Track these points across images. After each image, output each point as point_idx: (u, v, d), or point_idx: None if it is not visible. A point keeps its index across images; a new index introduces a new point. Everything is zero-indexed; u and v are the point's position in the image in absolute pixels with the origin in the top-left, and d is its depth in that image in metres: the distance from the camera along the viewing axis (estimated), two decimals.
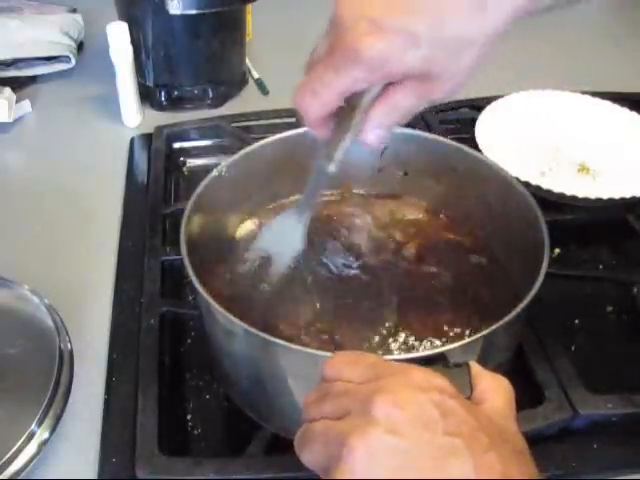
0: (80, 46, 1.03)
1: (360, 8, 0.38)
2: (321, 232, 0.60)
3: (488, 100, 0.85)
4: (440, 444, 0.33)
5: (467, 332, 0.51)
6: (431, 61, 0.39)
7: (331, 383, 0.37)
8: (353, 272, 0.57)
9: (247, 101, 0.95)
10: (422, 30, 0.37)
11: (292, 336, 0.50)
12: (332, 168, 0.45)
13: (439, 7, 0.37)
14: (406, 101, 0.41)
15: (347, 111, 0.42)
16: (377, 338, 0.51)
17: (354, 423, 0.33)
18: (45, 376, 0.51)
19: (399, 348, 0.51)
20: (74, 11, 1.05)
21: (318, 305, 0.53)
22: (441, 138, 0.61)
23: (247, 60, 0.99)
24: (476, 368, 0.39)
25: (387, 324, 0.52)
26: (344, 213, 0.63)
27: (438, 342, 0.51)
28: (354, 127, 0.43)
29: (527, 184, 0.64)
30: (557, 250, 0.69)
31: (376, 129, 0.43)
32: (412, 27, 0.37)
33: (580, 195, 0.70)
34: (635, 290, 0.64)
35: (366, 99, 0.41)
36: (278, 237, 0.50)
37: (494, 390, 0.38)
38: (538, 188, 0.69)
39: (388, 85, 0.41)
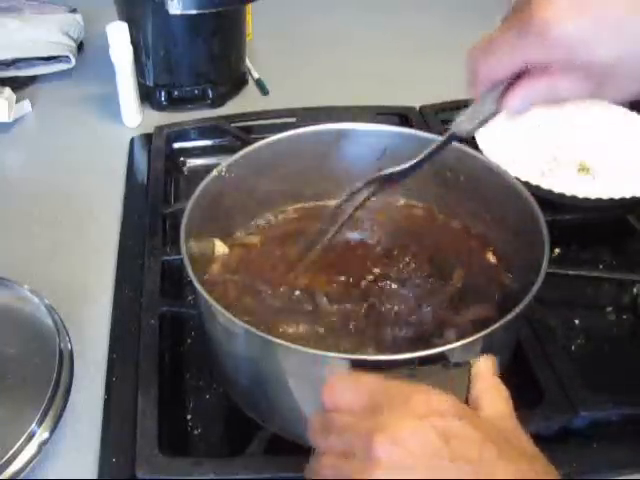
0: (80, 46, 1.03)
1: None
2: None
3: None
4: (448, 472, 0.32)
5: (465, 331, 0.51)
6: (621, 55, 0.36)
7: (332, 414, 0.37)
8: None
9: (247, 101, 0.95)
10: (627, 21, 0.35)
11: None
12: (465, 130, 0.46)
13: None
14: (567, 90, 0.39)
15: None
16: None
17: (359, 466, 0.34)
18: (45, 376, 0.51)
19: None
20: (74, 11, 1.05)
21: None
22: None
23: (247, 60, 0.99)
24: (476, 369, 0.39)
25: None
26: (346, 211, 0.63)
27: (437, 341, 0.51)
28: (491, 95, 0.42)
29: (527, 184, 0.64)
30: (557, 250, 0.69)
31: (521, 100, 0.41)
32: (613, 13, 0.35)
33: (580, 195, 0.70)
34: (635, 290, 0.64)
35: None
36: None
37: (491, 392, 0.38)
38: (538, 188, 0.69)
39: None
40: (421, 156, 0.51)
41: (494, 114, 0.44)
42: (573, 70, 0.38)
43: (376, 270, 0.57)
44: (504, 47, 0.39)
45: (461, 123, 0.46)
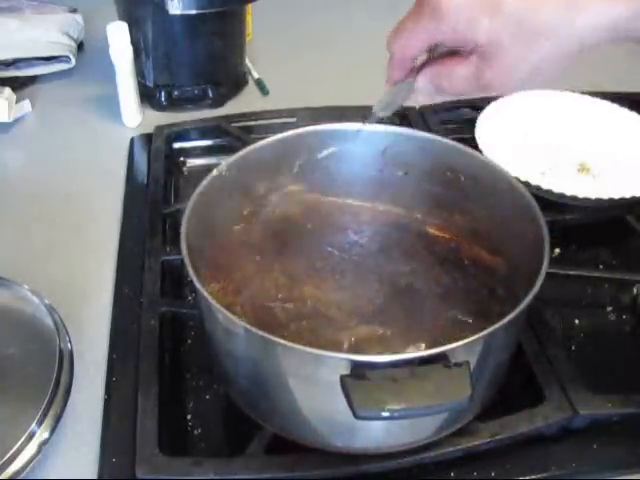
0: (80, 46, 1.03)
1: None
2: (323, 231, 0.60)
3: (488, 100, 0.85)
4: None
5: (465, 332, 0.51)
6: (501, 37, 0.39)
7: None
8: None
9: (247, 101, 0.95)
10: (508, 3, 0.38)
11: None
12: (377, 111, 0.53)
13: None
14: (460, 72, 0.43)
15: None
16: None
17: None
18: (45, 376, 0.51)
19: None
20: (74, 11, 1.06)
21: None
22: (441, 138, 0.61)
23: (247, 60, 0.99)
24: None
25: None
26: (345, 213, 0.63)
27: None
28: (408, 83, 0.48)
29: (527, 184, 0.64)
30: (557, 250, 0.69)
31: (425, 83, 0.46)
32: None
33: (580, 195, 0.70)
34: (635, 290, 0.64)
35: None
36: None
37: None
38: (538, 188, 0.69)
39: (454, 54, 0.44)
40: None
41: (408, 95, 0.50)
42: (466, 53, 0.42)
43: (380, 270, 0.57)
44: (408, 27, 0.44)
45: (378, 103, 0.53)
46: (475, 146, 0.74)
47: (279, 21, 1.13)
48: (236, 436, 0.54)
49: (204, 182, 0.54)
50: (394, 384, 0.40)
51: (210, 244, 0.56)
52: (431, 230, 0.61)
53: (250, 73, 1.00)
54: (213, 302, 0.44)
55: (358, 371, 0.40)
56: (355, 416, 0.39)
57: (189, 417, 0.55)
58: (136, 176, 0.80)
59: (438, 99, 0.48)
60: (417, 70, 0.47)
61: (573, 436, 0.52)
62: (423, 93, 0.47)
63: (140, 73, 0.89)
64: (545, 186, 0.70)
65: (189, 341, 0.61)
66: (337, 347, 0.50)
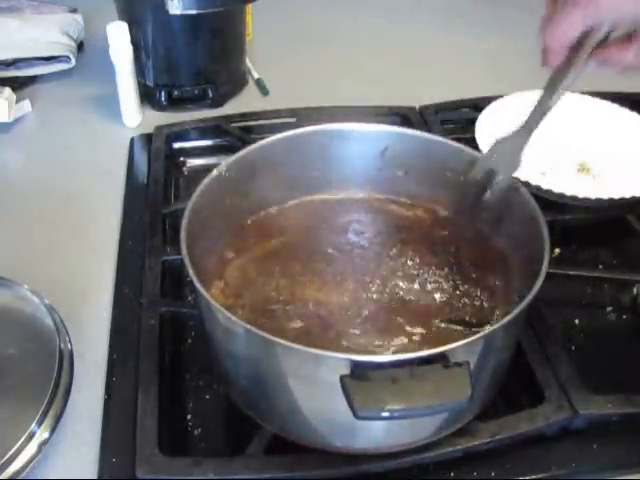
0: (80, 46, 1.03)
1: None
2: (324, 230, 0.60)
3: (488, 100, 0.85)
4: None
5: (465, 332, 0.51)
6: None
7: None
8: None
9: (247, 101, 0.95)
10: None
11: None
12: (553, 102, 0.52)
13: None
14: (625, 59, 0.48)
15: (575, 51, 0.49)
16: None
17: None
18: (45, 376, 0.51)
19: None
20: (74, 11, 1.06)
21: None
22: (441, 138, 0.61)
23: (247, 60, 0.99)
24: None
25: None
26: (345, 214, 0.63)
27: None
28: (575, 67, 0.49)
29: (527, 184, 0.64)
30: (557, 250, 0.69)
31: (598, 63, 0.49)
32: None
33: (580, 195, 0.70)
34: (635, 290, 0.64)
35: (591, 42, 0.48)
36: (501, 155, 0.55)
37: None
38: (538, 188, 0.69)
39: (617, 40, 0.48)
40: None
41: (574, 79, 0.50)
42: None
43: (381, 271, 0.57)
44: (564, 15, 0.46)
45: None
46: (475, 146, 0.74)
47: (279, 21, 1.13)
48: (236, 436, 0.54)
49: (204, 182, 0.54)
50: (394, 384, 0.40)
51: (210, 244, 0.56)
52: (431, 230, 0.61)
53: (250, 73, 1.00)
54: (213, 302, 0.44)
55: (358, 371, 0.40)
56: (355, 416, 0.39)
57: (189, 417, 0.55)
58: (136, 176, 0.80)
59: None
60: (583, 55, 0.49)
61: (573, 436, 0.52)
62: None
63: (140, 73, 0.89)
64: (545, 186, 0.70)
65: (189, 341, 0.61)
66: (338, 348, 0.50)
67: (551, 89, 0.52)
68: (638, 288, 0.64)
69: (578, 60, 0.49)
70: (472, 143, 0.75)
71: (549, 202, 0.69)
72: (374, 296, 0.55)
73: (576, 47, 0.49)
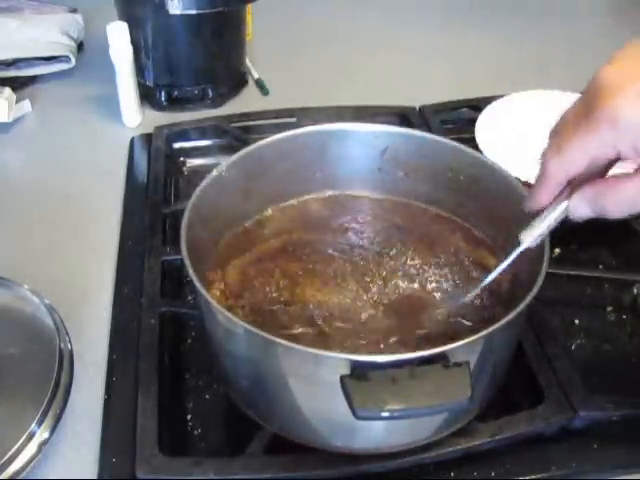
0: (80, 46, 1.03)
1: (631, 75, 0.37)
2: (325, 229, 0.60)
3: (488, 100, 0.85)
4: None
5: (465, 332, 0.51)
6: None
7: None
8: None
9: (247, 101, 0.95)
10: None
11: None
12: (529, 243, 0.46)
13: None
14: (628, 191, 0.40)
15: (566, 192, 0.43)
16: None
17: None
18: (45, 376, 0.51)
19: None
20: (74, 11, 1.05)
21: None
22: (441, 138, 0.61)
23: (247, 60, 0.99)
24: None
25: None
26: (345, 214, 0.63)
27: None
28: (564, 207, 0.43)
29: (527, 184, 0.64)
30: (557, 250, 0.69)
31: (583, 205, 0.42)
32: None
33: None
34: (635, 290, 0.64)
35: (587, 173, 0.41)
36: None
37: None
38: None
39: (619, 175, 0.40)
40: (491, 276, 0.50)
41: (560, 219, 0.44)
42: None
43: (381, 271, 0.57)
44: (575, 144, 0.40)
45: (528, 234, 0.46)
46: (475, 146, 0.74)
47: (279, 21, 1.13)
48: (236, 436, 0.54)
49: (204, 182, 0.54)
50: (394, 384, 0.40)
51: (210, 244, 0.56)
52: (431, 231, 0.61)
53: (250, 73, 1.00)
54: (213, 302, 0.44)
55: (358, 371, 0.40)
56: (355, 416, 0.39)
57: (189, 417, 0.55)
58: (136, 176, 0.80)
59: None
60: (571, 190, 0.42)
61: (573, 436, 0.52)
62: (577, 215, 0.43)
63: (140, 73, 0.89)
64: None
65: (189, 341, 0.61)
66: (338, 348, 0.50)
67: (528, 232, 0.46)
68: (638, 288, 0.64)
69: (563, 198, 0.43)
70: (472, 143, 0.75)
71: None
72: (374, 296, 0.55)
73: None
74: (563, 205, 0.43)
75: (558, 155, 0.41)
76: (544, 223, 0.45)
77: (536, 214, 0.45)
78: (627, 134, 0.37)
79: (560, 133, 0.41)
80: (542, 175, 0.42)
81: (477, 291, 0.51)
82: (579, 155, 0.40)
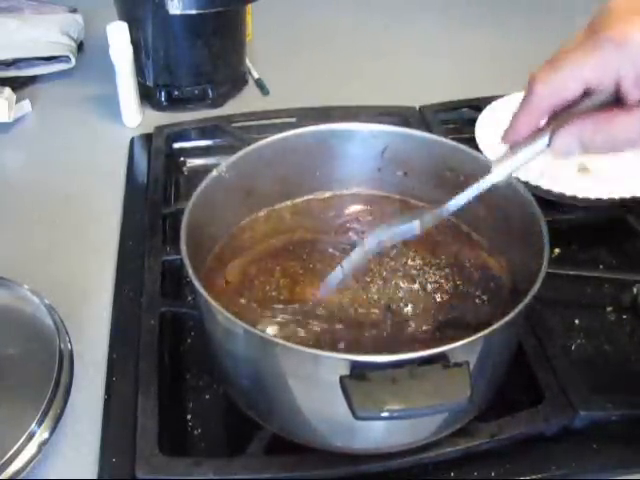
0: (80, 46, 1.03)
1: (637, 8, 0.36)
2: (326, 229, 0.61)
3: (488, 100, 0.85)
4: None
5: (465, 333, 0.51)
6: None
7: None
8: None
9: (247, 101, 0.95)
10: None
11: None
12: (499, 176, 0.42)
13: None
14: (626, 124, 0.37)
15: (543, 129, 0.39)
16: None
17: None
18: (45, 376, 0.51)
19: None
20: (74, 11, 1.06)
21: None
22: (441, 138, 0.61)
23: (247, 60, 0.99)
24: None
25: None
26: (345, 214, 0.63)
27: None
28: (538, 143, 0.39)
29: (527, 184, 0.64)
30: (557, 250, 0.69)
31: (571, 140, 0.38)
32: None
33: (580, 195, 0.70)
34: (635, 290, 0.64)
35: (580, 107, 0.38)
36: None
37: None
38: (538, 188, 0.69)
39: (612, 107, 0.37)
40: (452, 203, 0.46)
41: (535, 155, 0.40)
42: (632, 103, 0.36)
43: (382, 271, 0.57)
44: (573, 62, 0.37)
45: (500, 165, 0.42)
46: (475, 146, 0.74)
47: (279, 21, 1.13)
48: (236, 436, 0.54)
49: (204, 182, 0.54)
50: (394, 384, 0.40)
51: (210, 244, 0.56)
52: (431, 231, 0.61)
53: (250, 73, 1.00)
54: (213, 302, 0.44)
55: (358, 371, 0.40)
56: (355, 416, 0.39)
57: (189, 417, 0.55)
58: (136, 176, 0.80)
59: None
60: (555, 125, 0.38)
61: (573, 436, 0.52)
62: (562, 151, 0.39)
63: (140, 73, 0.89)
64: (545, 186, 0.70)
65: (189, 341, 0.61)
66: (337, 348, 0.50)
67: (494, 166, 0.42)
68: (638, 288, 0.64)
69: (547, 129, 0.39)
70: (472, 143, 0.75)
71: (549, 202, 0.69)
72: (374, 296, 0.55)
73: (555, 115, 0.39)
74: (543, 139, 0.39)
75: (551, 73, 0.37)
76: (518, 156, 0.41)
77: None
78: (632, 57, 0.35)
79: (557, 55, 0.38)
80: (526, 99, 0.39)
81: (441, 216, 0.47)
82: (576, 74, 0.37)
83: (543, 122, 0.40)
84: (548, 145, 0.39)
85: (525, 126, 0.40)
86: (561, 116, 0.39)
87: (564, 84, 0.37)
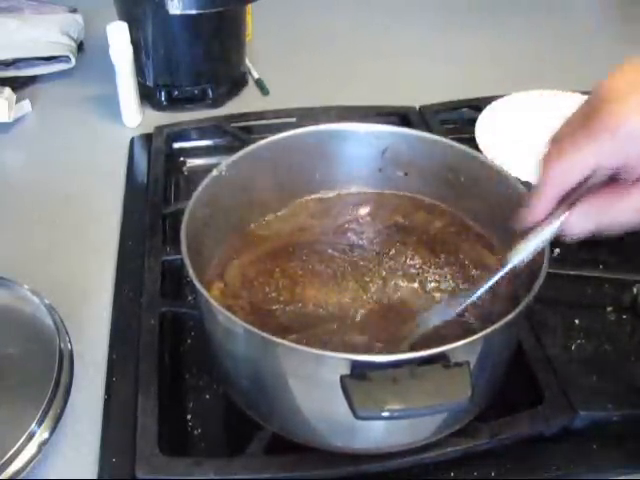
0: (80, 46, 1.03)
1: (633, 86, 0.37)
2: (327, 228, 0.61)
3: (488, 100, 0.85)
4: None
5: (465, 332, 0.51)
6: None
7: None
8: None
9: (247, 101, 0.95)
10: None
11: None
12: (516, 262, 0.45)
13: None
14: (627, 204, 0.39)
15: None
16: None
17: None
18: (45, 376, 0.51)
19: None
20: (74, 11, 1.05)
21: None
22: (442, 138, 0.61)
23: (247, 60, 0.99)
24: None
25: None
26: (345, 214, 0.63)
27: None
28: (558, 224, 0.42)
29: (527, 184, 0.64)
30: (557, 250, 0.69)
31: (587, 219, 0.40)
32: None
33: None
34: (635, 290, 0.64)
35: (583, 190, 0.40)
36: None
37: None
38: None
39: (614, 185, 0.39)
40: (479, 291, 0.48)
41: (554, 234, 0.43)
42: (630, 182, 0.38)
43: (381, 271, 0.57)
44: (576, 149, 0.39)
45: (516, 255, 0.45)
46: (475, 146, 0.74)
47: (279, 21, 1.13)
48: (236, 436, 0.54)
49: (204, 182, 0.54)
50: (394, 384, 0.40)
51: (210, 244, 0.56)
52: (431, 230, 0.61)
53: (250, 73, 1.00)
54: (213, 302, 0.44)
55: (358, 371, 0.40)
56: (355, 416, 0.39)
57: (189, 417, 0.55)
58: (136, 176, 0.80)
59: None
60: (568, 205, 0.41)
61: (573, 436, 0.52)
62: (576, 231, 0.41)
63: (140, 73, 0.89)
64: None
65: (189, 341, 0.61)
66: (338, 348, 0.50)
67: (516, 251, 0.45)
68: (638, 288, 0.64)
69: (560, 213, 0.41)
70: (472, 143, 0.75)
71: None
72: (374, 296, 0.55)
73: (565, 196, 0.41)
74: (556, 223, 0.42)
75: (558, 160, 0.40)
76: (532, 243, 0.44)
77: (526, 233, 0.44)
78: (627, 143, 0.37)
79: (561, 140, 0.41)
80: (541, 182, 0.41)
81: (463, 307, 0.49)
82: (580, 162, 0.39)
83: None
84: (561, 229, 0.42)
85: (541, 209, 0.42)
86: (570, 197, 0.41)
87: (572, 168, 0.40)
